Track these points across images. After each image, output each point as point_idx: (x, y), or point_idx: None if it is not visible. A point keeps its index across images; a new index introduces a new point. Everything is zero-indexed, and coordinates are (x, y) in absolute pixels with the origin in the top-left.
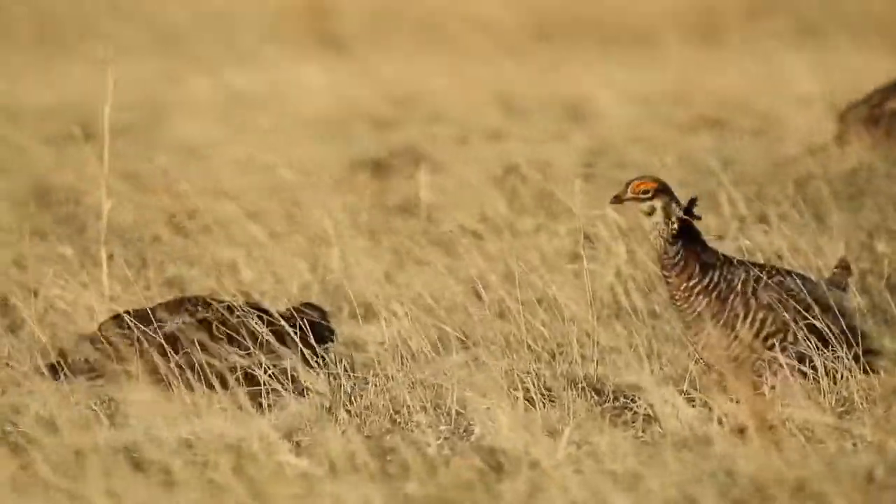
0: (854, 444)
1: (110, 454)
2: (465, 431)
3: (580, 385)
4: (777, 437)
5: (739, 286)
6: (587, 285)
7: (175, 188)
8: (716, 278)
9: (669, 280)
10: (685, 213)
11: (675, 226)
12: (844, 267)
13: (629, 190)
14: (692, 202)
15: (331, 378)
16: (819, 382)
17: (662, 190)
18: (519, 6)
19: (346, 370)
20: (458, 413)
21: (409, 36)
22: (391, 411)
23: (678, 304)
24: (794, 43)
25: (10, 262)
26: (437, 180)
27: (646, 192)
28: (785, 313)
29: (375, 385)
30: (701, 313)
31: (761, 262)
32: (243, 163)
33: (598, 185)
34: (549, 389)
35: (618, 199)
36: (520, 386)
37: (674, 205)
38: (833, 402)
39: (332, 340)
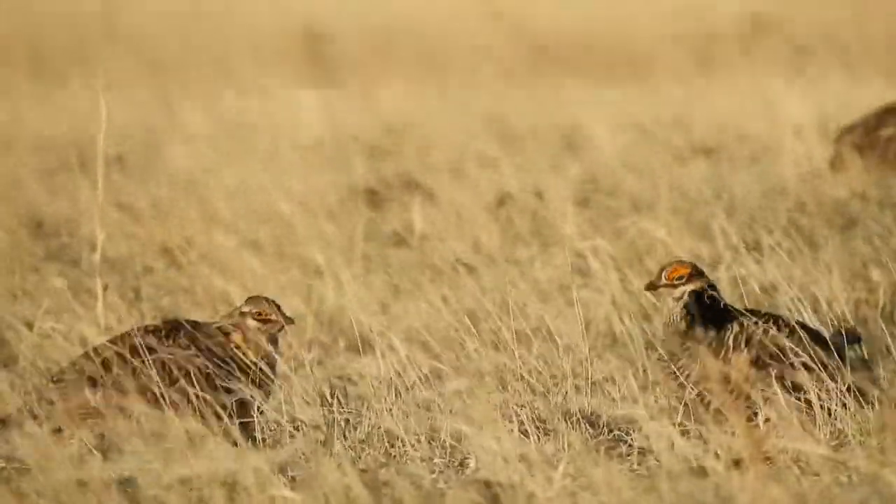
0: (849, 477)
1: (104, 489)
2: (460, 464)
3: (575, 417)
4: (772, 470)
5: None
6: (578, 315)
7: (169, 219)
8: (725, 338)
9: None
10: (710, 294)
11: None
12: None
13: (664, 276)
14: (713, 287)
15: (325, 411)
16: (813, 414)
17: (695, 274)
18: (514, 35)
19: (340, 403)
20: (452, 446)
21: (404, 64)
22: (386, 444)
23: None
24: (787, 70)
25: (4, 294)
26: (432, 209)
27: (680, 277)
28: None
29: (370, 418)
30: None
31: (774, 313)
32: (237, 191)
33: (592, 214)
34: (543, 422)
35: (652, 287)
36: (514, 418)
37: (705, 286)
38: (828, 434)
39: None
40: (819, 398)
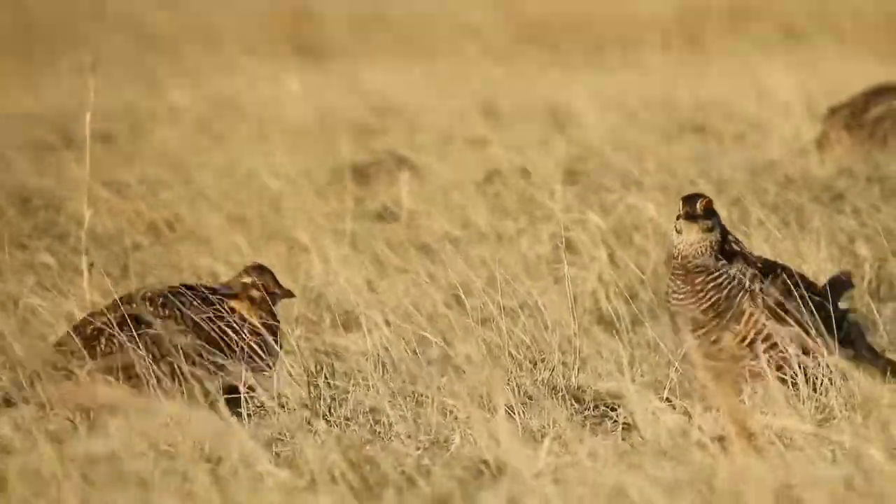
0: (833, 452)
1: (88, 465)
2: (445, 441)
3: (561, 393)
4: (757, 445)
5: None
6: (568, 291)
7: (156, 196)
8: (731, 274)
9: (685, 283)
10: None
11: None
12: (846, 279)
13: (698, 207)
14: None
15: (311, 388)
16: (798, 390)
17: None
18: (502, 13)
19: (326, 380)
20: (438, 423)
21: (391, 43)
22: (371, 421)
23: (681, 300)
24: (776, 48)
25: None
26: (419, 187)
27: (712, 210)
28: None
29: (355, 395)
30: (704, 310)
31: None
32: (225, 170)
33: (579, 190)
34: (529, 398)
35: (692, 217)
36: (501, 395)
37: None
38: (812, 409)
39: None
40: (804, 372)
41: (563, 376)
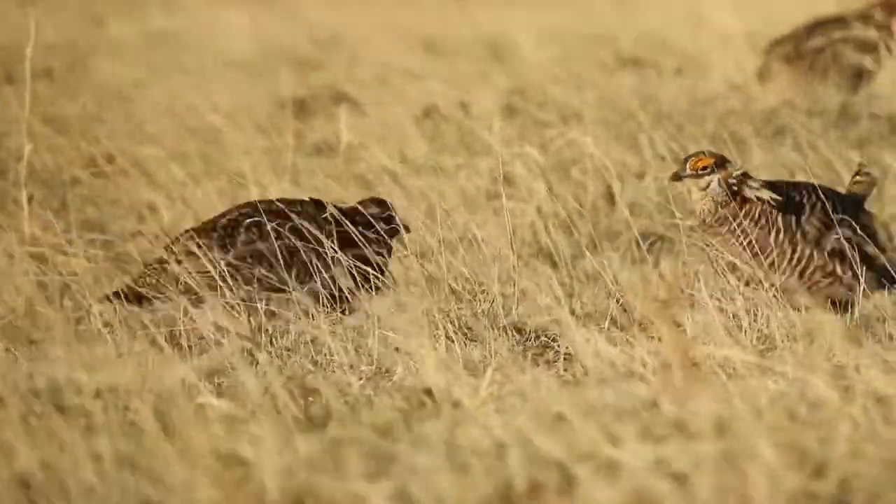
0: (775, 382)
1: (30, 398)
2: (386, 372)
3: (501, 325)
4: (699, 375)
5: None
6: (507, 224)
7: (96, 131)
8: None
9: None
10: (742, 177)
11: (728, 193)
12: (866, 174)
13: (688, 167)
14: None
15: (251, 320)
16: (739, 319)
17: (720, 164)
18: None
19: (266, 312)
20: (380, 353)
21: None
22: (312, 353)
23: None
24: None
25: None
26: (358, 121)
27: (704, 168)
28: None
29: (297, 326)
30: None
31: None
32: (165, 105)
33: (518, 125)
34: (470, 329)
35: (677, 177)
36: (441, 326)
37: (732, 172)
38: (754, 339)
39: (397, 231)
40: (747, 302)
41: (504, 308)
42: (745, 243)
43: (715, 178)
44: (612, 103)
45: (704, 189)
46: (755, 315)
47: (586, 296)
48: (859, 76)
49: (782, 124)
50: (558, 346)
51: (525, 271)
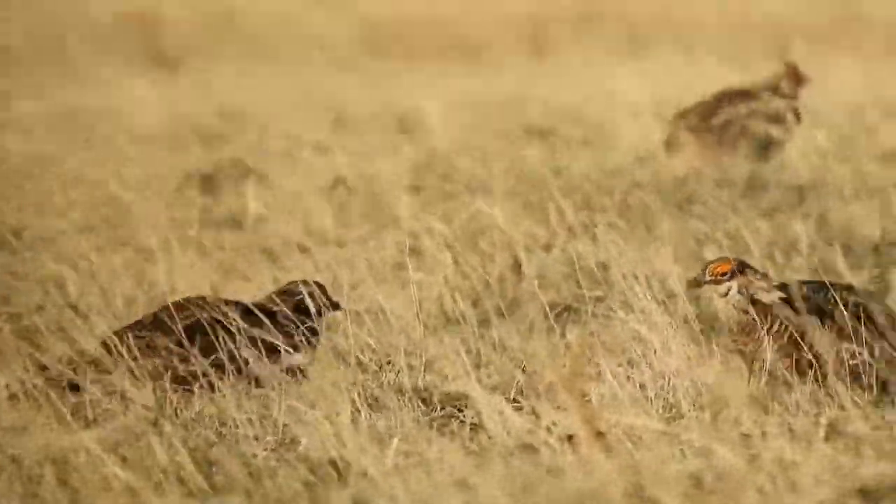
0: (682, 450)
1: None
2: (291, 442)
3: (407, 395)
4: (605, 444)
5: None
6: (414, 295)
7: (2, 204)
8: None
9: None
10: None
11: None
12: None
13: (707, 273)
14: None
15: (156, 390)
16: (645, 389)
17: (740, 270)
18: (349, 20)
19: (171, 382)
20: (285, 424)
21: (239, 50)
22: (217, 423)
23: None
24: (623, 53)
25: None
26: (265, 193)
27: (724, 274)
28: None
29: (201, 397)
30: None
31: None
32: (73, 179)
33: (425, 196)
34: (376, 399)
35: (696, 283)
36: (347, 397)
37: (752, 279)
38: (660, 408)
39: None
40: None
41: (410, 378)
42: (776, 350)
43: (734, 284)
44: (521, 174)
45: (724, 296)
46: (662, 384)
47: (493, 366)
48: (768, 146)
49: (691, 194)
50: (465, 416)
51: (432, 342)
